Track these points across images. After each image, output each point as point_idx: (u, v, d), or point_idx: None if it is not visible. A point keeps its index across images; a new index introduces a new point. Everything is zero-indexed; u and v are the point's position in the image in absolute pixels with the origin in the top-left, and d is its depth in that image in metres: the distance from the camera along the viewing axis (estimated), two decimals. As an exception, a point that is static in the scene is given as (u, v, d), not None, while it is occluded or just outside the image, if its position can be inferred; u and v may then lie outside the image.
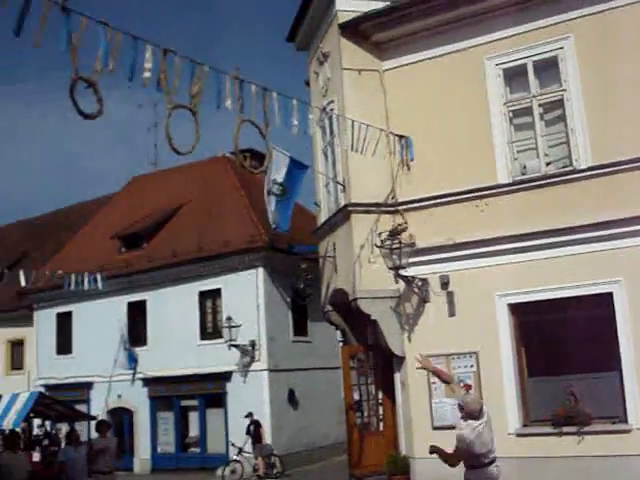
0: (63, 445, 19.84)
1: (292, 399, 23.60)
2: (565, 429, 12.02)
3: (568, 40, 12.66)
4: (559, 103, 12.89)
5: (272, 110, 9.96)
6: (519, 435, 12.26)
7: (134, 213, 29.67)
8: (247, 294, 23.35)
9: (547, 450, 11.96)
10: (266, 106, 9.61)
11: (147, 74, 7.88)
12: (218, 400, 23.84)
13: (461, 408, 7.93)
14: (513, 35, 13.10)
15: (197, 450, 24.36)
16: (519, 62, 13.08)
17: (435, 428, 13.09)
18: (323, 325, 18.71)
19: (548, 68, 12.97)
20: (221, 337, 23.29)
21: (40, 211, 40.71)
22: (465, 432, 7.69)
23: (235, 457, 21.25)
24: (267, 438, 21.80)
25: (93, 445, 14.34)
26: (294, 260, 18.73)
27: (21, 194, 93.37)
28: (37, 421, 26.68)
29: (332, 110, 14.42)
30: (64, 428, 26.65)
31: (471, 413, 7.76)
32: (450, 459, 8.03)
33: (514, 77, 13.31)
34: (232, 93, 9.05)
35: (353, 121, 12.18)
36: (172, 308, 24.90)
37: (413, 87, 14.04)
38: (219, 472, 20.30)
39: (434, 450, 8.04)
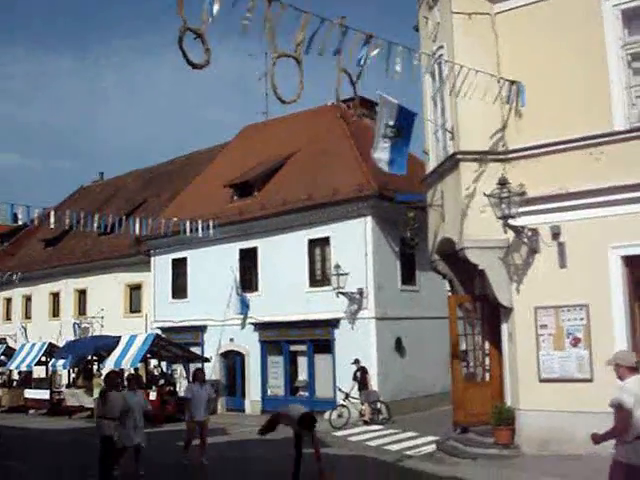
0: (187, 383, 20.86)
1: (399, 347, 23.74)
2: (680, 386, 11.59)
3: (693, -24, 11.85)
4: (682, 45, 12.14)
5: (379, 57, 9.90)
6: (630, 391, 11.90)
7: (246, 162, 30.19)
8: (355, 242, 23.48)
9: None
10: (368, 53, 9.53)
11: (250, 22, 7.92)
12: (326, 346, 24.26)
13: (618, 367, 7.20)
14: (633, -27, 12.36)
15: (305, 394, 24.91)
16: (638, 2, 12.34)
17: (542, 380, 12.92)
18: (431, 274, 18.65)
19: (671, 7, 12.21)
20: (329, 285, 23.59)
21: (157, 161, 42.15)
22: (629, 385, 6.96)
23: (342, 402, 21.70)
24: (373, 385, 22.11)
25: None
26: (402, 209, 18.61)
27: (139, 144, 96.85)
28: (153, 361, 27.99)
29: (441, 56, 14.11)
30: (179, 369, 27.97)
31: (632, 367, 7.09)
32: (616, 431, 7.03)
33: (633, 18, 12.59)
34: (335, 41, 9.02)
35: (462, 66, 11.91)
36: (282, 255, 25.36)
37: (525, 30, 13.53)
38: (326, 416, 20.72)
39: (598, 439, 7.13)
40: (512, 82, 12.85)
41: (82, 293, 36.00)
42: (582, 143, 12.72)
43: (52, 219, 18.71)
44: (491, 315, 14.73)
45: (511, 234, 13.30)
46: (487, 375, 15.39)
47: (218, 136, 76.80)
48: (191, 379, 16.64)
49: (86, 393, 26.55)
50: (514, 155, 13.51)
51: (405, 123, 12.84)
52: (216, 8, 7.50)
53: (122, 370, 24.69)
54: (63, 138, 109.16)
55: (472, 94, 11.96)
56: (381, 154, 13.01)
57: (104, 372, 25.79)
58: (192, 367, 27.38)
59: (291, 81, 9.02)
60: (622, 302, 12.35)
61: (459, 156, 13.73)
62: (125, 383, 14.98)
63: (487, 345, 15.29)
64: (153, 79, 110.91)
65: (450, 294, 16.81)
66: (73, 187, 49.09)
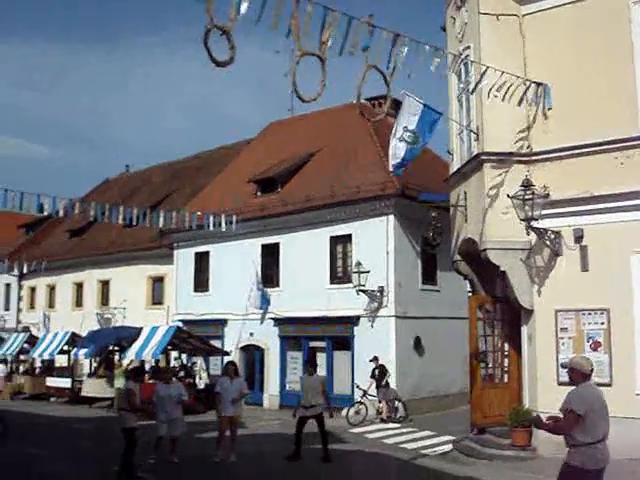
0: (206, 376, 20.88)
1: (418, 346, 23.74)
2: (698, 392, 11.54)
3: None
4: None
5: (405, 56, 9.94)
6: (648, 396, 11.87)
7: (270, 158, 30.31)
8: (377, 241, 23.49)
9: (678, 413, 11.53)
10: (394, 52, 9.57)
11: (279, 20, 8.01)
12: (345, 343, 24.30)
13: (572, 371, 7.29)
14: (662, -24, 12.29)
15: (324, 390, 24.93)
16: (667, 3, 12.30)
17: (560, 384, 12.84)
18: (452, 274, 18.64)
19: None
20: (350, 282, 23.63)
21: (183, 155, 42.36)
22: (586, 392, 7.08)
23: (360, 399, 21.74)
24: (391, 383, 22.13)
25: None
26: (425, 208, 18.61)
27: (165, 138, 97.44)
28: (174, 354, 28.22)
29: (468, 56, 14.10)
30: (199, 361, 28.15)
31: (586, 374, 7.20)
32: (559, 429, 7.24)
33: (662, 21, 12.53)
34: (362, 39, 9.07)
35: (488, 67, 11.91)
36: (304, 252, 25.43)
37: (553, 33, 13.50)
38: (344, 412, 20.77)
39: (536, 423, 7.49)
40: (538, 84, 12.83)
41: (105, 284, 36.31)
42: (607, 147, 12.68)
43: (77, 210, 18.92)
44: (511, 317, 14.72)
45: (533, 236, 13.29)
46: (506, 377, 15.38)
47: (243, 132, 77.07)
48: (222, 373, 16.51)
49: (107, 383, 26.82)
50: (538, 157, 13.48)
51: (427, 125, 12.83)
52: (244, 6, 7.55)
53: (143, 362, 24.92)
54: (90, 131, 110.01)
55: (498, 95, 11.97)
56: (393, 157, 13.17)
57: (125, 362, 26.14)
58: (212, 360, 27.72)
59: (317, 79, 9.08)
60: (644, 307, 12.30)
61: (483, 157, 13.72)
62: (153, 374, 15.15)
63: (506, 347, 15.29)
64: (180, 74, 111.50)
65: (471, 295, 16.81)
66: (99, 179, 49.56)
